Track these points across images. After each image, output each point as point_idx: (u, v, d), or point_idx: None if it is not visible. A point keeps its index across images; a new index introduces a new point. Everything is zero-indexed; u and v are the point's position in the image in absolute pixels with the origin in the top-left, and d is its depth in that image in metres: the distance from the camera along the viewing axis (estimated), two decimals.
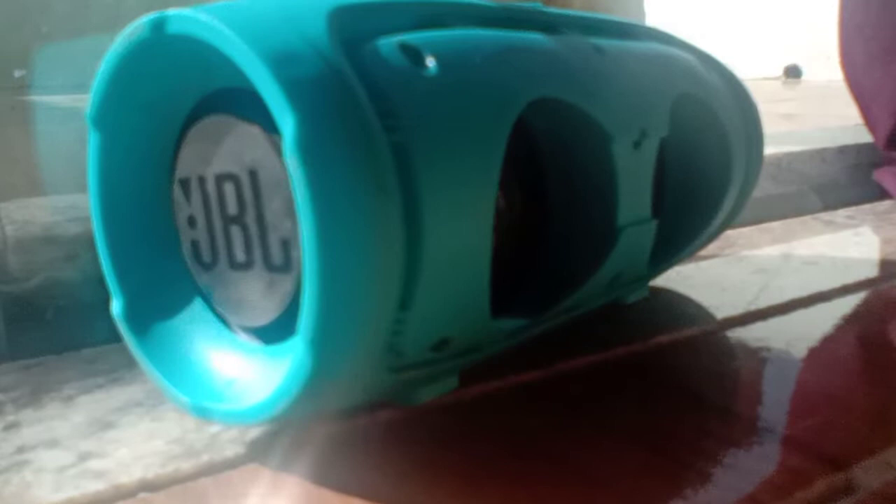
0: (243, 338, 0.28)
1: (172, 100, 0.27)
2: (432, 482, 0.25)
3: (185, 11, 0.23)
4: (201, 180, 0.26)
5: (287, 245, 0.24)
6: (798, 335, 0.38)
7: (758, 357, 0.35)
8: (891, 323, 0.40)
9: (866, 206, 0.68)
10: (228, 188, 0.25)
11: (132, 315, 0.28)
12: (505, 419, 0.29)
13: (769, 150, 0.52)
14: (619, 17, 0.39)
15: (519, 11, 0.31)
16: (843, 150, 0.81)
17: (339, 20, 0.24)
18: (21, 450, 0.27)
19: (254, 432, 0.28)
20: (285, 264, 0.25)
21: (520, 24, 0.30)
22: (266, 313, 0.26)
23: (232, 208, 0.26)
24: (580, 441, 0.28)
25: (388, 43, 0.24)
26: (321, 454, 0.27)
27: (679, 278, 0.46)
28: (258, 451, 0.27)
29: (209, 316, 0.28)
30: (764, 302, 0.42)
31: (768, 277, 0.46)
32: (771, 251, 0.53)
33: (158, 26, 0.24)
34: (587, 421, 0.29)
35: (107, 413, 0.30)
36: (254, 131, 0.24)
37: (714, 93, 0.39)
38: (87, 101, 0.27)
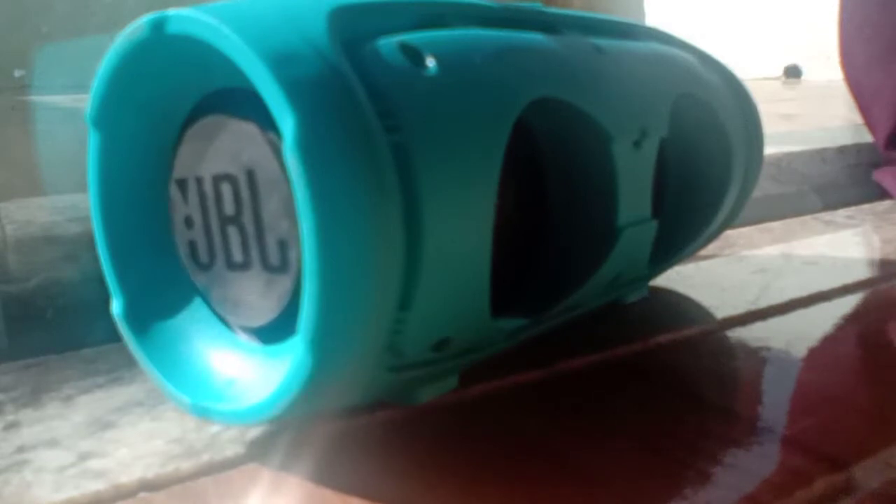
0: (243, 338, 0.28)
1: (172, 100, 0.27)
2: (432, 482, 0.25)
3: (185, 11, 0.23)
4: (199, 180, 0.26)
5: (284, 245, 0.24)
6: (798, 335, 0.38)
7: (758, 357, 0.35)
8: (891, 323, 0.40)
9: (866, 206, 0.68)
10: (226, 188, 0.25)
11: (132, 315, 0.28)
12: (505, 419, 0.29)
13: (769, 150, 0.52)
14: (619, 17, 0.39)
15: (519, 11, 0.31)
16: (843, 150, 0.81)
17: (339, 20, 0.24)
18: (21, 450, 0.27)
19: (254, 432, 0.28)
20: (283, 265, 0.25)
21: (520, 24, 0.30)
22: (264, 313, 0.26)
23: (229, 208, 0.26)
24: (580, 441, 0.28)
25: (388, 43, 0.24)
26: (321, 454, 0.27)
27: (679, 278, 0.46)
28: (258, 451, 0.27)
29: (209, 316, 0.28)
30: (764, 302, 0.42)
31: (768, 277, 0.46)
32: (771, 251, 0.53)
33: (158, 26, 0.24)
34: (587, 421, 0.29)
35: (107, 413, 0.30)
36: (252, 131, 0.24)
37: (714, 93, 0.39)
38: (87, 101, 0.27)
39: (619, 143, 0.31)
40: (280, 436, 0.28)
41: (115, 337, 0.28)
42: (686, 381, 0.33)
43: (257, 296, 0.26)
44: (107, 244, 0.28)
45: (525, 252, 0.34)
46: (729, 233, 0.56)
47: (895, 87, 0.73)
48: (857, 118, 0.80)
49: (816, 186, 0.76)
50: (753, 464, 0.26)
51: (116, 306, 0.28)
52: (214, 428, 0.29)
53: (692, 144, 0.40)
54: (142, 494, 0.25)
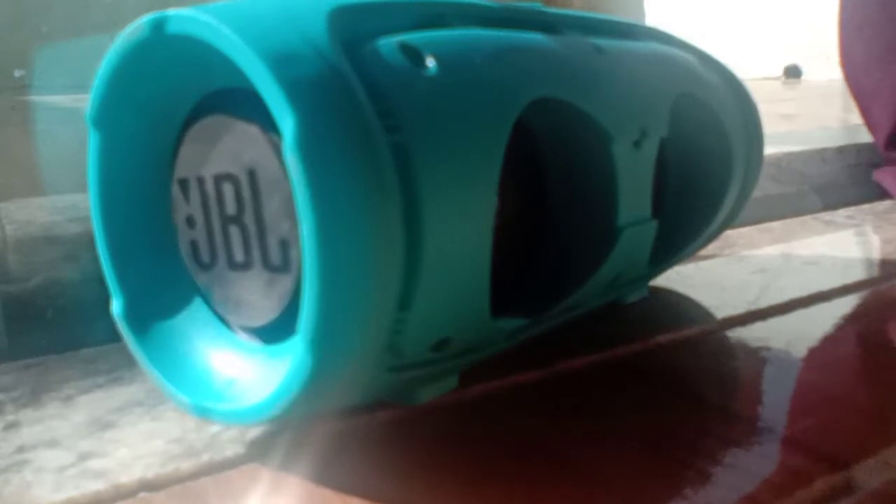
0: (243, 338, 0.28)
1: (172, 100, 0.27)
2: (432, 482, 0.25)
3: (185, 11, 0.23)
4: (200, 180, 0.26)
5: (286, 245, 0.24)
6: (798, 335, 0.38)
7: (758, 357, 0.35)
8: (891, 323, 0.40)
9: (866, 206, 0.68)
10: (227, 188, 0.25)
11: (132, 315, 0.28)
12: (505, 419, 0.29)
13: (769, 150, 0.52)
14: (619, 17, 0.39)
15: (519, 11, 0.31)
16: (843, 150, 0.81)
17: (339, 20, 0.24)
18: (21, 450, 0.27)
19: (254, 432, 0.28)
20: (284, 264, 0.25)
21: (520, 24, 0.30)
22: (265, 313, 0.26)
23: (230, 208, 0.26)
24: (580, 441, 0.28)
25: (388, 43, 0.24)
26: (321, 454, 0.27)
27: (679, 278, 0.46)
28: (258, 451, 0.27)
29: (209, 316, 0.28)
30: (764, 302, 0.42)
31: (768, 277, 0.46)
32: (771, 251, 0.53)
33: (158, 26, 0.24)
34: (587, 421, 0.29)
35: (107, 413, 0.30)
36: (253, 131, 0.24)
37: (714, 93, 0.39)
38: (87, 101, 0.27)
39: (619, 143, 0.31)
40: (280, 436, 0.28)
41: (115, 337, 0.28)
42: (686, 381, 0.33)
43: (258, 295, 0.26)
44: (107, 244, 0.28)
45: (525, 252, 0.34)
46: (729, 233, 0.56)
47: (895, 87, 0.73)
48: (857, 118, 0.80)
49: (816, 186, 0.76)
50: (753, 464, 0.26)
51: (116, 306, 0.28)
52: (214, 428, 0.29)
53: (692, 144, 0.40)
54: (142, 494, 0.25)
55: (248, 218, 0.25)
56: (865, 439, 0.28)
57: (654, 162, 0.34)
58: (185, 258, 0.28)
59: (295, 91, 0.21)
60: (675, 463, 0.26)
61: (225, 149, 0.25)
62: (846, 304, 0.42)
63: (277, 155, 0.24)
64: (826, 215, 0.65)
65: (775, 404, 0.31)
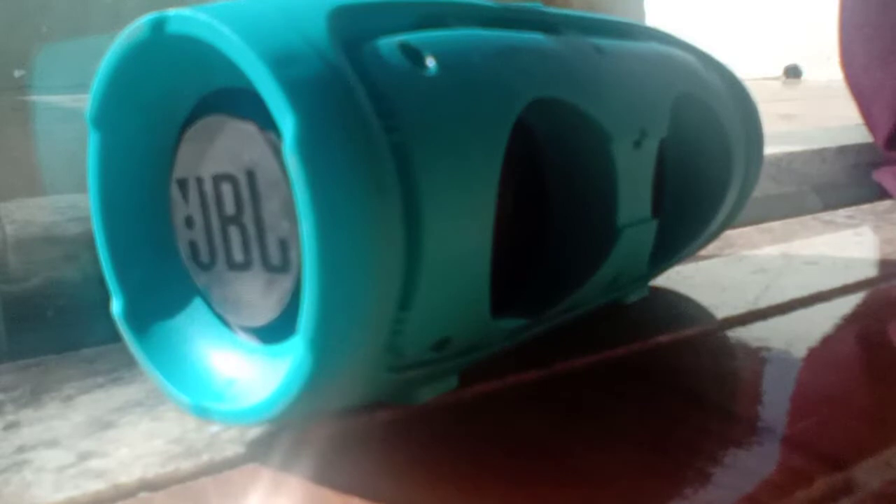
0: (243, 338, 0.28)
1: (172, 100, 0.27)
2: (432, 482, 0.25)
3: (185, 11, 0.23)
4: (199, 181, 0.26)
5: (285, 245, 0.24)
6: (798, 335, 0.38)
7: (758, 357, 0.35)
8: (891, 323, 0.40)
9: (866, 206, 0.68)
10: (226, 188, 0.25)
11: (132, 315, 0.28)
12: (505, 419, 0.29)
13: (769, 150, 0.52)
14: (619, 17, 0.39)
15: (519, 11, 0.31)
16: (843, 150, 0.81)
17: (339, 20, 0.24)
18: (21, 449, 0.27)
19: (254, 432, 0.28)
20: (283, 264, 0.25)
21: (520, 24, 0.30)
22: (265, 313, 0.26)
23: (230, 209, 0.26)
24: (580, 441, 0.28)
25: (388, 43, 0.24)
26: (321, 454, 0.27)
27: (679, 278, 0.46)
28: (258, 451, 0.27)
29: (209, 316, 0.28)
30: (764, 302, 0.42)
31: (768, 277, 0.46)
32: (771, 251, 0.53)
33: (158, 26, 0.24)
34: (587, 421, 0.29)
35: (107, 413, 0.30)
36: (252, 132, 0.24)
37: (714, 93, 0.39)
38: (87, 101, 0.27)
39: (619, 143, 0.31)
40: (280, 436, 0.28)
41: (115, 337, 0.28)
42: (686, 381, 0.33)
43: (258, 295, 0.26)
44: (107, 244, 0.28)
45: (525, 252, 0.34)
46: (729, 233, 0.56)
47: (895, 88, 0.73)
48: (857, 118, 0.80)
49: (816, 186, 0.76)
50: (753, 464, 0.26)
51: (116, 306, 0.28)
52: (214, 428, 0.29)
53: (692, 144, 0.40)
54: (142, 494, 0.25)
55: (247, 218, 0.25)
56: (865, 439, 0.28)
57: (654, 162, 0.34)
58: (184, 259, 0.28)
59: (295, 91, 0.21)
60: (675, 463, 0.26)
61: (224, 149, 0.25)
62: (846, 304, 0.42)
63: (276, 155, 0.24)
64: (826, 215, 0.65)
65: (775, 404, 0.31)
